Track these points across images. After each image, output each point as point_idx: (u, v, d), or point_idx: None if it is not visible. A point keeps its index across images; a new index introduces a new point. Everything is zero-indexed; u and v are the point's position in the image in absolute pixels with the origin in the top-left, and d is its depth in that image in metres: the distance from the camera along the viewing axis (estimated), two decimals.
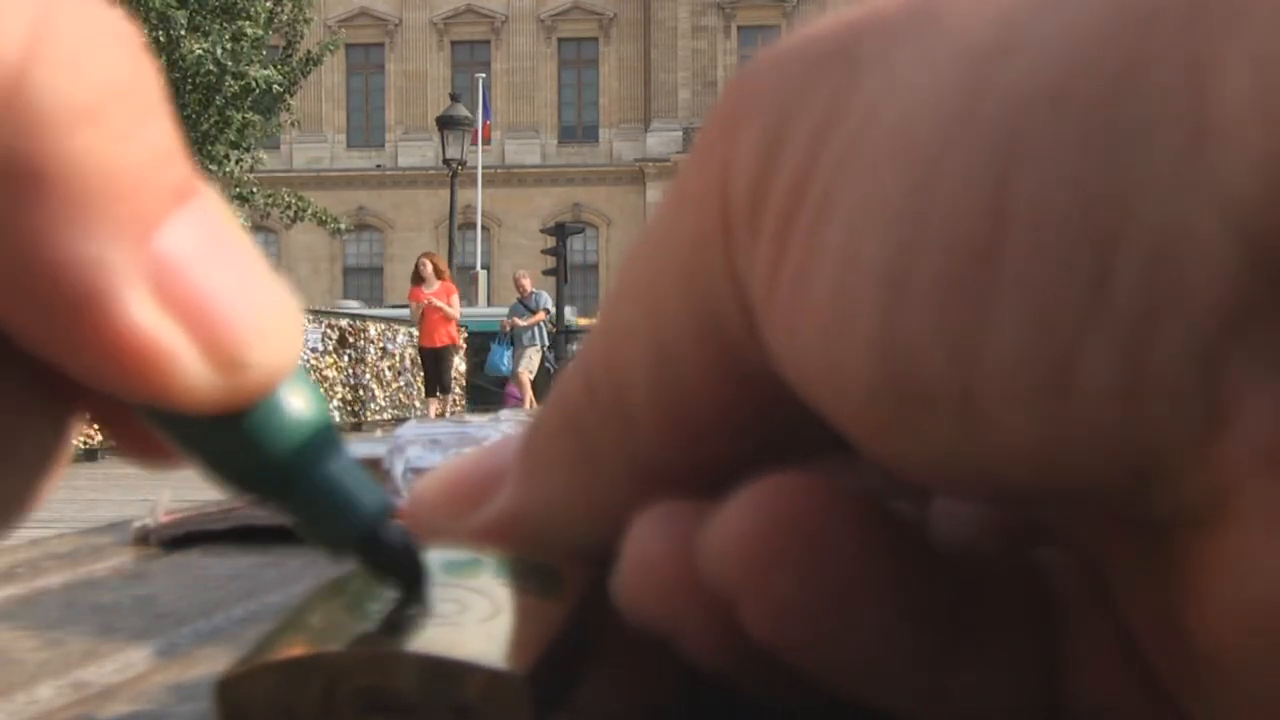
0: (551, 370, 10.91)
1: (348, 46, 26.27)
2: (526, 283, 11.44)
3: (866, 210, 0.18)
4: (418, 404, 11.21)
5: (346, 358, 10.70)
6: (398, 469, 0.71)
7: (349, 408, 10.67)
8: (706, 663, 0.21)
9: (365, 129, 28.58)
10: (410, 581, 0.21)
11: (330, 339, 10.49)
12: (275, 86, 13.78)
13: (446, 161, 16.67)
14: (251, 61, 13.53)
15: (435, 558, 0.22)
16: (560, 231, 15.47)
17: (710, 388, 0.21)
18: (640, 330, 0.21)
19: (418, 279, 9.45)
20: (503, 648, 0.20)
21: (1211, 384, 0.16)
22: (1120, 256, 0.16)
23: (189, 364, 0.18)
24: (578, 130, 28.26)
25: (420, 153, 27.43)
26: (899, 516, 0.21)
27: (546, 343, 11.46)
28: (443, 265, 9.57)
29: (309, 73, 14.88)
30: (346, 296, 25.82)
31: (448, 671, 0.20)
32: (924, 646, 0.20)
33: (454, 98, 18.17)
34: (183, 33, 12.93)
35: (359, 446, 0.72)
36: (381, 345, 11.27)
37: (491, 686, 0.19)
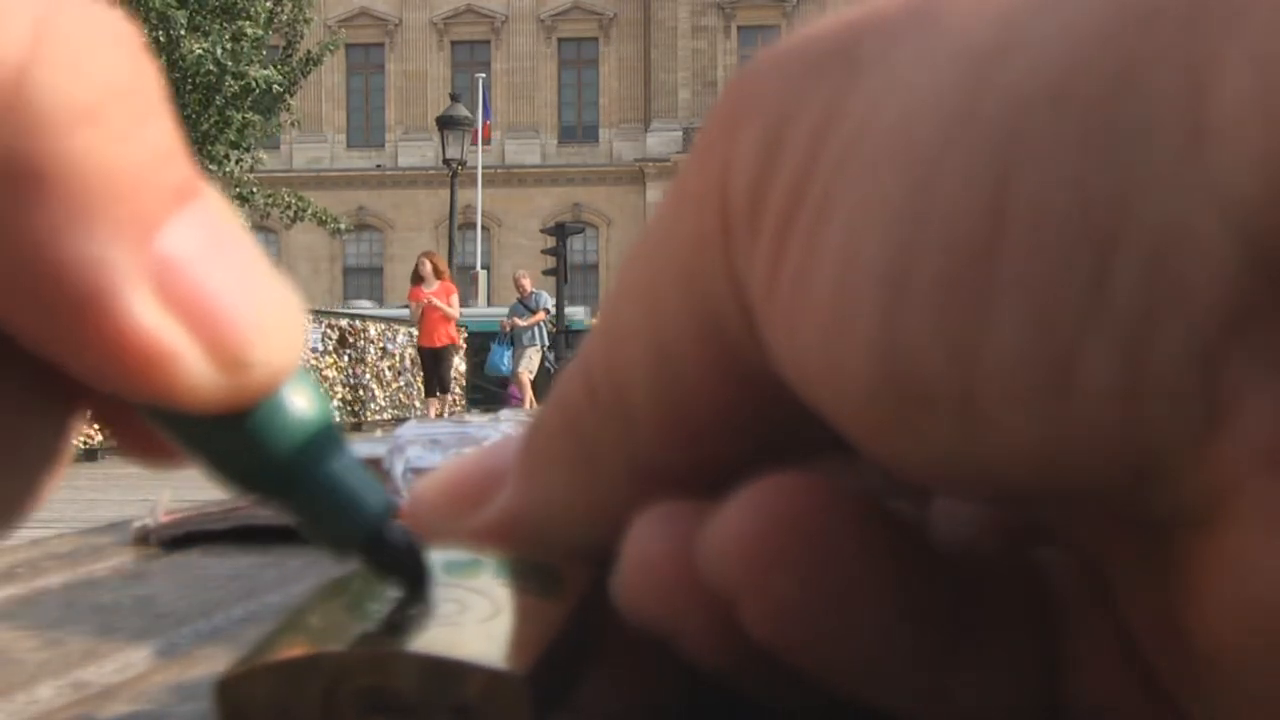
0: (551, 370, 10.91)
1: (348, 46, 26.26)
2: (526, 283, 11.44)
3: (866, 210, 0.18)
4: (418, 404, 11.21)
5: (346, 358, 10.70)
6: (398, 469, 0.71)
7: (349, 408, 10.67)
8: (706, 663, 0.21)
9: (365, 129, 28.58)
10: (413, 581, 0.21)
11: (330, 339, 10.50)
12: (275, 86, 13.78)
13: (446, 161, 16.67)
14: (251, 61, 13.53)
15: (435, 558, 0.22)
16: (560, 231, 15.48)
17: (710, 388, 0.21)
18: (640, 330, 0.21)
19: (417, 279, 9.45)
20: (503, 648, 0.20)
21: (1211, 384, 0.16)
22: (1120, 256, 0.16)
23: (192, 363, 0.18)
24: (578, 130, 28.26)
25: (420, 153, 27.43)
26: (899, 516, 0.21)
27: (546, 343, 11.47)
28: (442, 265, 9.57)
29: (309, 73, 14.88)
30: (347, 296, 25.85)
31: (448, 671, 0.20)
32: (924, 646, 0.20)
33: (454, 98, 18.18)
34: (183, 33, 12.93)
35: (359, 446, 0.72)
36: (381, 345, 11.27)
37: (491, 686, 0.19)
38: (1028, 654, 0.21)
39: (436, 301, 9.27)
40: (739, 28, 26.93)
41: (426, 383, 9.79)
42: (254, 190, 14.17)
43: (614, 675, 0.23)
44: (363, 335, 11.01)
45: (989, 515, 0.22)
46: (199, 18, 13.31)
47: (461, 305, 10.28)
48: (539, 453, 0.23)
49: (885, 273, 0.17)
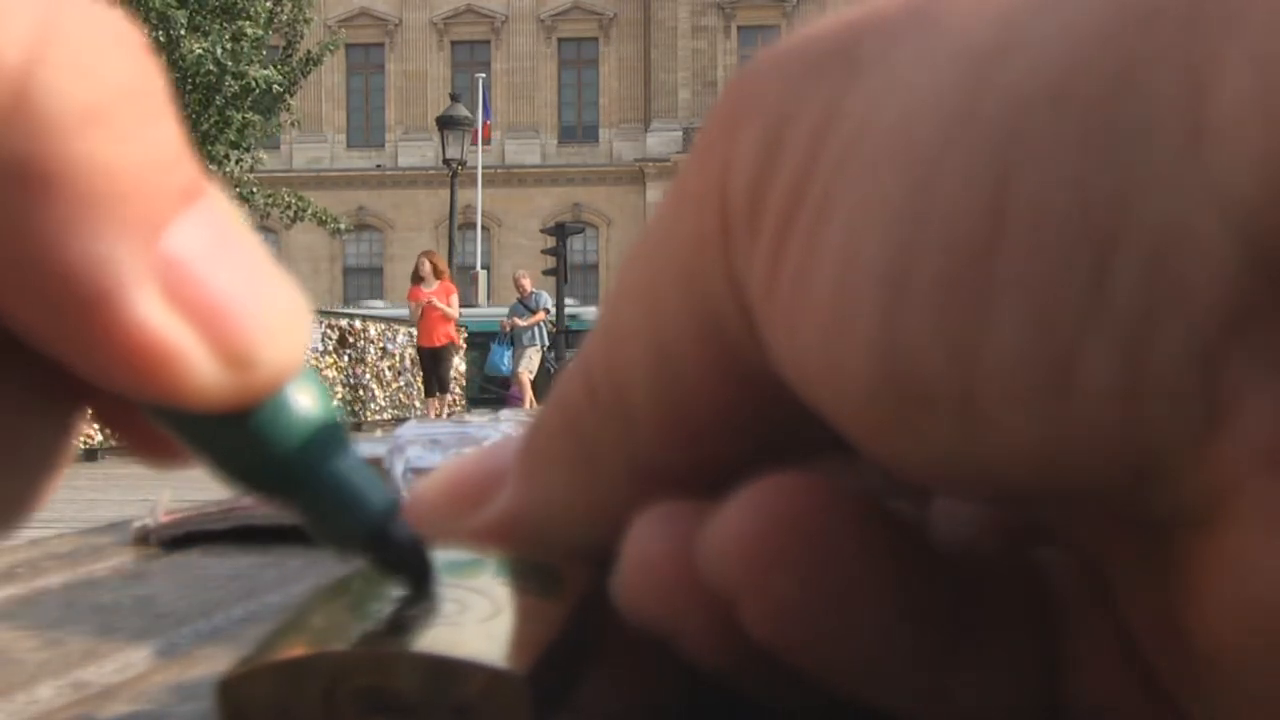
0: (551, 370, 10.91)
1: (348, 46, 26.25)
2: (526, 283, 11.44)
3: (866, 210, 0.18)
4: (418, 404, 11.22)
5: (346, 358, 10.70)
6: (398, 469, 0.71)
7: (349, 408, 10.66)
8: (706, 663, 0.21)
9: (365, 129, 28.58)
10: (418, 579, 0.21)
11: (330, 339, 10.49)
12: (275, 86, 13.78)
13: (446, 161, 16.68)
14: (251, 61, 13.53)
15: (436, 558, 0.22)
16: (560, 231, 15.47)
17: (710, 388, 0.21)
18: (640, 330, 0.21)
19: (417, 278, 9.45)
20: (503, 648, 0.20)
21: (1211, 384, 0.16)
22: (1120, 256, 0.16)
23: (198, 362, 0.18)
24: (578, 130, 28.26)
25: (420, 153, 27.43)
26: (899, 516, 0.21)
27: (546, 343, 11.47)
28: (442, 264, 9.57)
29: (309, 73, 14.88)
30: (348, 296, 25.85)
31: (448, 671, 0.20)
32: (924, 646, 0.20)
33: (454, 98, 18.18)
34: (183, 33, 12.93)
35: (359, 446, 0.72)
36: (381, 345, 11.27)
37: (492, 686, 0.19)
38: (1028, 654, 0.21)
39: (436, 301, 9.27)
40: (739, 28, 26.93)
41: (426, 383, 9.79)
42: (254, 190, 14.18)
43: (614, 675, 0.23)
44: (363, 335, 11.01)
45: (989, 515, 0.22)
46: (199, 18, 13.31)
47: (461, 305, 10.28)
48: (539, 453, 0.23)
49: (885, 273, 0.17)
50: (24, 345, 0.18)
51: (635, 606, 0.21)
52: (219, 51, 13.10)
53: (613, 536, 0.21)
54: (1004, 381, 0.17)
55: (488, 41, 28.29)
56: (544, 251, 16.58)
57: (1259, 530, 0.16)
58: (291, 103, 15.13)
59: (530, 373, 11.06)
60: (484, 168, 22.04)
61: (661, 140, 26.89)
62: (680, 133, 26.43)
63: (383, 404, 11.23)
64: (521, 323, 11.24)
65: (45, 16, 0.17)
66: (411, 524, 0.21)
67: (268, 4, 14.08)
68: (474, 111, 19.59)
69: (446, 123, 16.63)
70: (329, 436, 0.20)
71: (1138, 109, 0.16)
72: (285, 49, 14.56)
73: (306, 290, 0.20)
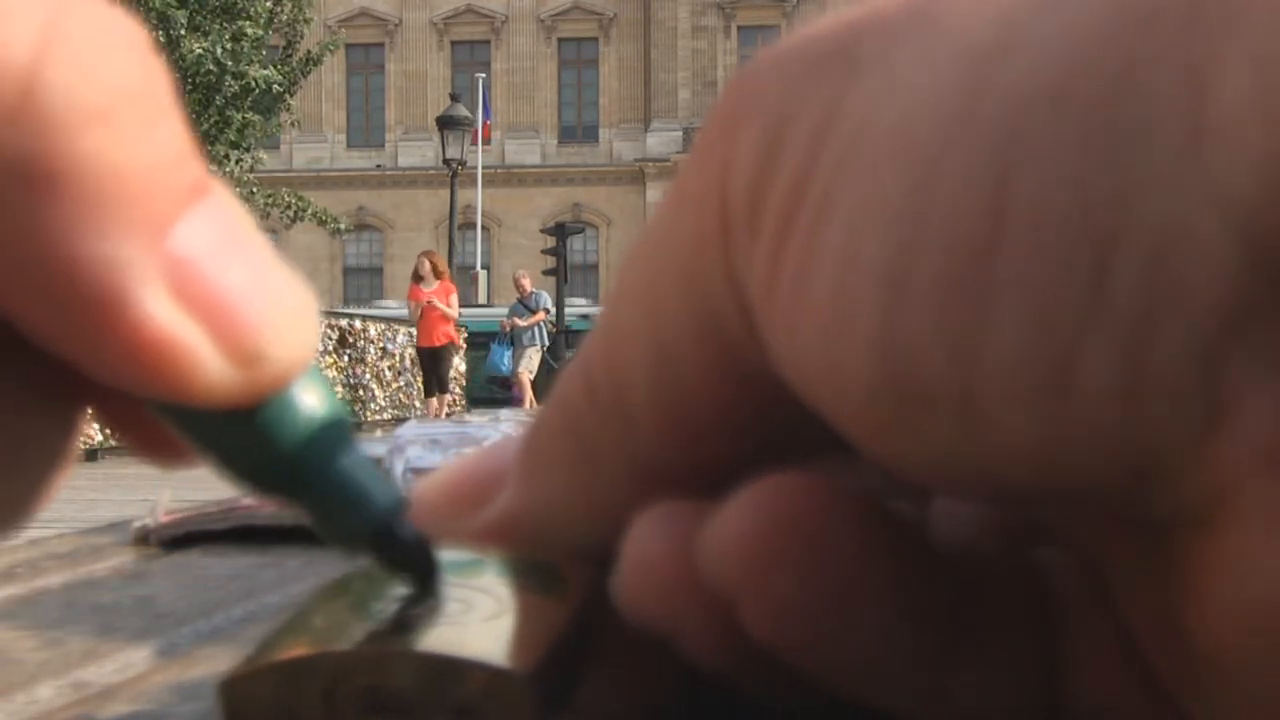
0: (552, 370, 10.91)
1: (348, 46, 26.26)
2: (526, 283, 11.44)
3: (866, 210, 0.18)
4: (418, 404, 11.22)
5: (346, 358, 10.70)
6: (398, 469, 0.71)
7: (349, 408, 10.64)
8: (706, 663, 0.21)
9: (365, 129, 28.58)
10: (423, 577, 0.21)
11: (330, 339, 10.49)
12: (275, 86, 13.77)
13: (446, 161, 16.68)
14: (251, 61, 13.53)
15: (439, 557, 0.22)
16: (560, 231, 15.47)
17: (710, 388, 0.21)
18: (640, 330, 0.21)
19: (417, 278, 9.45)
20: (506, 647, 0.20)
21: (1211, 384, 0.16)
22: (1120, 256, 0.16)
23: (206, 358, 0.18)
24: (578, 130, 28.26)
25: (420, 153, 27.43)
26: (899, 516, 0.21)
27: (546, 343, 11.46)
28: (442, 264, 9.57)
29: (309, 73, 14.88)
30: (347, 296, 25.85)
31: (450, 670, 0.20)
32: (924, 646, 0.20)
33: (454, 98, 18.19)
34: (183, 33, 12.94)
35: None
36: (381, 345, 11.27)
37: (493, 685, 0.19)
38: (1028, 654, 0.21)
39: (436, 301, 9.27)
40: (739, 28, 26.93)
41: (426, 383, 9.79)
42: (254, 190, 14.17)
43: (614, 675, 0.23)
44: (363, 335, 11.01)
45: (989, 515, 0.22)
46: (199, 18, 13.31)
47: (461, 305, 10.28)
48: (539, 453, 0.23)
49: (885, 273, 0.17)
50: (26, 345, 0.18)
51: (635, 606, 0.21)
52: (219, 51, 13.10)
53: (613, 536, 0.21)
54: (1004, 381, 0.17)
55: (488, 41, 28.29)
56: (544, 251, 16.58)
57: (1259, 530, 0.16)
58: (291, 103, 15.12)
59: (530, 373, 11.06)
60: (484, 168, 22.04)
61: (661, 140, 26.89)
62: (680, 133, 26.43)
63: (383, 404, 11.23)
64: (521, 323, 11.24)
65: (51, 16, 0.17)
66: (416, 522, 0.21)
67: (268, 4, 14.07)
68: (474, 111, 19.60)
69: (446, 123, 16.63)
70: (335, 434, 0.20)
71: (1138, 109, 0.16)
72: (285, 49, 14.55)
73: None
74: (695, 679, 0.22)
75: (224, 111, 13.40)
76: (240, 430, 0.19)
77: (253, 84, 13.46)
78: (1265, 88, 0.15)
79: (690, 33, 27.05)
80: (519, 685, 0.19)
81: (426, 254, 9.69)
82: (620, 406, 0.22)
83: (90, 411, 0.20)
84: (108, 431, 0.20)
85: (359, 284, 27.42)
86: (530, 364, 11.16)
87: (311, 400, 0.19)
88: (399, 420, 9.37)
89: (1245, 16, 0.15)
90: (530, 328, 11.24)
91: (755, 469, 0.20)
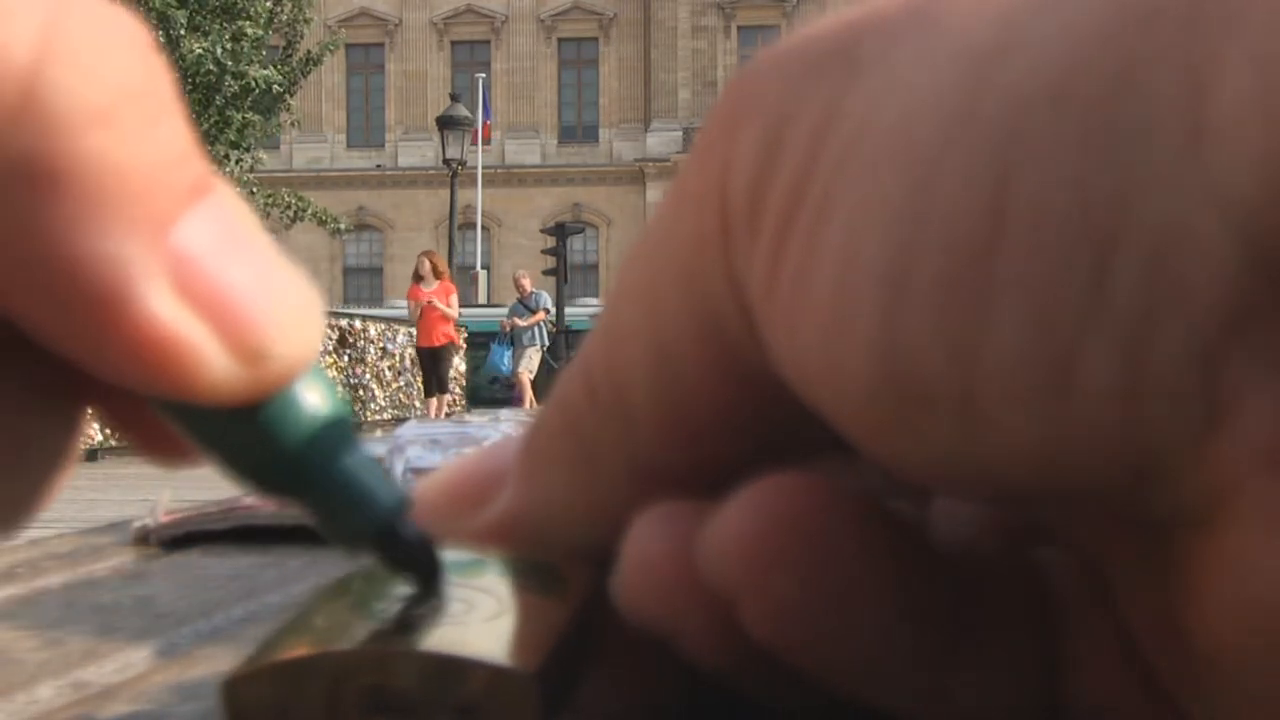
0: (552, 370, 10.91)
1: (348, 46, 26.25)
2: (526, 283, 11.44)
3: (866, 210, 0.18)
4: (418, 404, 11.21)
5: (346, 358, 10.70)
6: (398, 469, 0.71)
7: (350, 407, 10.63)
8: (706, 663, 0.21)
9: (365, 129, 28.58)
10: (426, 576, 0.21)
11: (330, 339, 10.49)
12: (275, 86, 13.78)
13: (446, 161, 16.68)
14: (251, 61, 13.53)
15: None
16: (560, 231, 15.48)
17: (710, 388, 0.21)
18: (640, 330, 0.21)
19: (417, 278, 9.45)
20: (508, 646, 0.20)
21: (1211, 384, 0.16)
22: (1120, 256, 0.16)
23: (210, 356, 0.18)
24: (578, 130, 28.26)
25: (420, 153, 27.43)
26: (899, 516, 0.21)
27: (546, 343, 11.46)
28: (442, 264, 9.57)
29: (309, 73, 14.88)
30: (347, 297, 25.85)
31: (453, 669, 0.20)
32: (924, 646, 0.20)
33: (454, 98, 18.19)
34: (182, 32, 12.94)
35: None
36: (381, 345, 11.27)
37: (496, 684, 0.19)
38: (1028, 654, 0.21)
39: (436, 302, 9.27)
40: (739, 28, 26.93)
41: (425, 383, 9.79)
42: (254, 190, 14.16)
43: (615, 675, 0.23)
44: (363, 335, 11.01)
45: (989, 515, 0.22)
46: (199, 18, 13.31)
47: (461, 305, 10.28)
48: (539, 453, 0.23)
49: (885, 273, 0.17)
50: (28, 344, 0.18)
51: (635, 606, 0.21)
52: (219, 51, 13.11)
53: (613, 536, 0.21)
54: (1004, 381, 0.17)
55: (488, 41, 28.29)
56: (544, 251, 16.59)
57: (1259, 530, 0.16)
58: (291, 103, 15.12)
59: (530, 373, 11.06)
60: (484, 168, 22.04)
61: (661, 140, 26.89)
62: (680, 133, 26.43)
63: (383, 404, 11.23)
64: (521, 323, 11.24)
65: (53, 15, 0.17)
66: (418, 522, 0.21)
67: (268, 4, 14.08)
68: (474, 111, 19.60)
69: (446, 123, 16.63)
70: (338, 433, 0.20)
71: (1138, 109, 0.16)
72: (285, 49, 14.55)
73: None
74: (695, 679, 0.22)
75: (224, 111, 13.40)
76: (243, 428, 0.19)
77: (253, 84, 13.46)
78: (1265, 88, 0.15)
79: (690, 33, 27.05)
80: (522, 684, 0.19)
81: (427, 254, 9.69)
82: (620, 406, 0.22)
83: (92, 411, 0.20)
84: (108, 431, 0.20)
85: (359, 284, 27.42)
86: (530, 364, 11.16)
87: (315, 398, 0.19)
88: (399, 420, 9.37)
89: (1245, 16, 0.15)
90: (530, 328, 11.24)
91: (755, 469, 0.20)
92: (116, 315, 0.17)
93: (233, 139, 13.54)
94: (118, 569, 0.53)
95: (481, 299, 19.56)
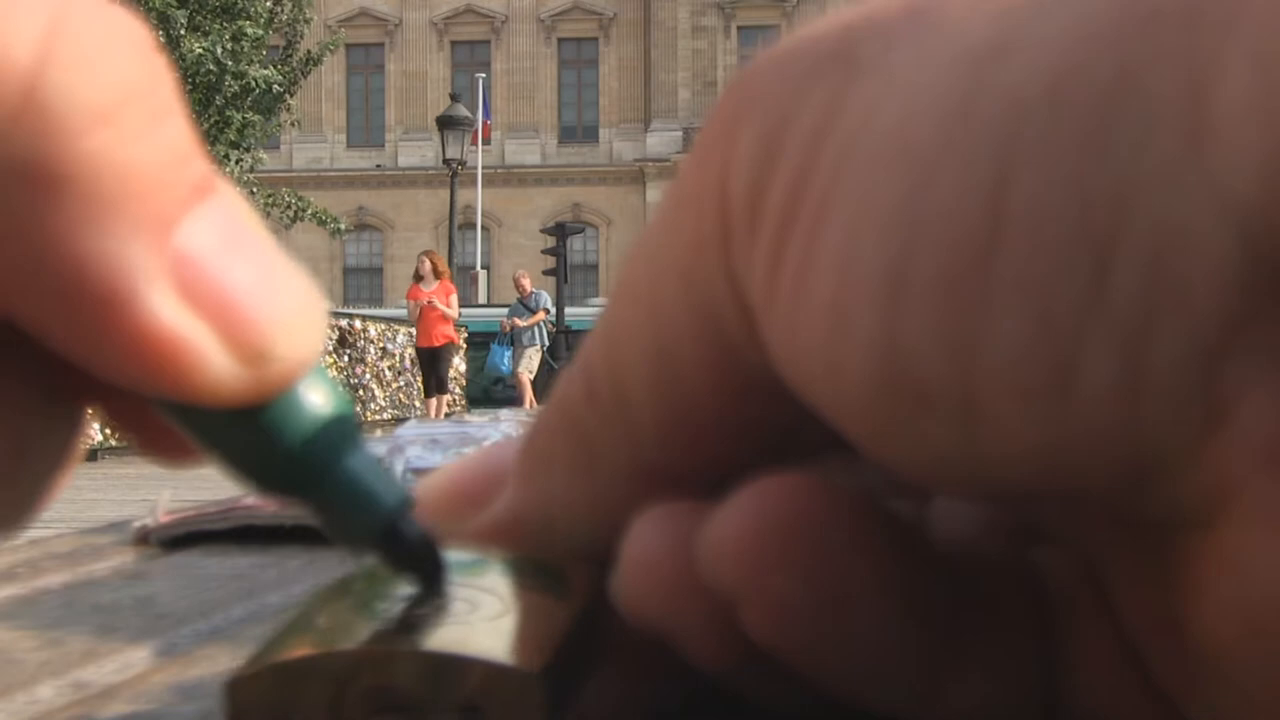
0: (552, 370, 10.91)
1: (348, 46, 26.27)
2: (526, 283, 11.43)
3: (866, 211, 0.18)
4: (417, 404, 11.21)
5: (346, 358, 10.70)
6: (398, 469, 0.71)
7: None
8: (706, 663, 0.21)
9: (365, 129, 28.58)
10: (430, 576, 0.21)
11: (330, 339, 10.48)
12: (275, 86, 13.78)
13: (446, 161, 16.68)
14: (251, 61, 13.53)
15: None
16: (560, 231, 15.47)
17: (710, 388, 0.21)
18: (640, 331, 0.21)
19: (417, 277, 9.45)
20: (513, 645, 0.20)
21: (1211, 384, 0.16)
22: (1119, 257, 0.16)
23: (212, 357, 0.18)
24: (578, 130, 28.26)
25: (420, 153, 27.43)
26: (899, 516, 0.21)
27: (546, 343, 11.46)
28: (442, 265, 9.57)
29: (309, 73, 14.88)
30: (348, 297, 25.86)
31: (456, 669, 0.20)
32: (923, 647, 0.20)
33: (454, 98, 18.18)
34: (182, 32, 12.94)
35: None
36: (381, 345, 11.27)
37: (500, 683, 0.19)
38: (1027, 654, 0.21)
39: (436, 301, 9.27)
40: (739, 28, 26.93)
41: (425, 383, 9.79)
42: (254, 190, 14.16)
43: (617, 674, 0.23)
44: (363, 335, 11.01)
45: (989, 515, 0.22)
46: (199, 18, 13.31)
47: (461, 305, 10.28)
48: (539, 453, 0.23)
49: (884, 273, 0.17)
50: (31, 344, 0.18)
51: (635, 607, 0.21)
52: (219, 51, 13.11)
53: (613, 536, 0.21)
54: (1003, 382, 0.17)
55: (488, 41, 28.29)
56: (544, 251, 16.57)
57: (1259, 530, 0.16)
58: (291, 103, 15.12)
59: (530, 373, 11.06)
60: (484, 168, 22.05)
61: (661, 140, 26.89)
62: (680, 133, 26.43)
63: (383, 404, 11.23)
64: (521, 323, 11.24)
65: (54, 16, 0.17)
66: (423, 521, 0.21)
67: (268, 4, 14.08)
68: (474, 111, 19.60)
69: (446, 123, 16.63)
70: (341, 433, 0.20)
71: (1137, 110, 0.16)
72: (285, 49, 14.55)
73: None
74: (696, 679, 0.22)
75: (224, 111, 13.40)
76: (246, 429, 0.19)
77: (253, 84, 13.46)
78: (1265, 88, 0.15)
79: (690, 33, 27.05)
80: (526, 683, 0.19)
81: (427, 254, 9.69)
82: (620, 406, 0.22)
83: (93, 411, 0.20)
84: (108, 431, 0.20)
85: (359, 284, 27.42)
86: (530, 364, 11.15)
87: (317, 398, 0.19)
88: (399, 420, 9.37)
89: (1244, 17, 0.15)
90: (530, 328, 11.23)
91: (755, 469, 0.20)
92: (118, 316, 0.17)
93: (233, 139, 13.54)
94: (118, 569, 0.53)
95: (481, 299, 19.55)
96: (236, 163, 13.65)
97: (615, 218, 26.76)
